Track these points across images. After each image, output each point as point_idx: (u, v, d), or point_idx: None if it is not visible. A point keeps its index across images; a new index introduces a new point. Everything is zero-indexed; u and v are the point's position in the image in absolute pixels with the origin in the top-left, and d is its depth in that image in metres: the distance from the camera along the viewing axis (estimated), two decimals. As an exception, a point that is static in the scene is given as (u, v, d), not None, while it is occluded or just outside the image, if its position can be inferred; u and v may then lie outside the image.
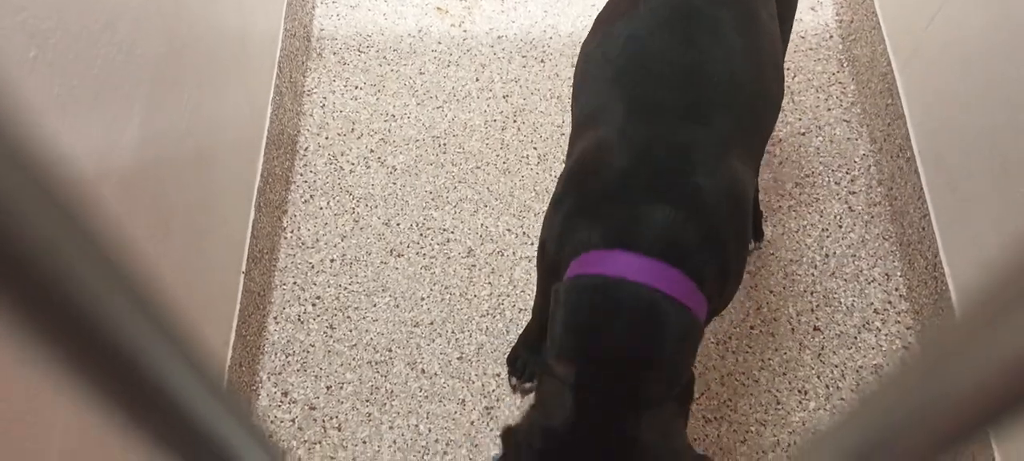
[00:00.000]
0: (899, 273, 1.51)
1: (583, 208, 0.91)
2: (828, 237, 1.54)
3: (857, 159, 1.63)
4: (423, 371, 1.41)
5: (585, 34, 1.78)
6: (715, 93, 0.94)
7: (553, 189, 1.57)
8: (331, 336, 1.45)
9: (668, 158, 0.89)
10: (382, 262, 1.52)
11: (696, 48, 0.96)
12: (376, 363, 1.42)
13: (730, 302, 0.99)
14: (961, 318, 0.18)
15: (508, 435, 0.84)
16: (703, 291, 0.85)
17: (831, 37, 1.79)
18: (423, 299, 1.48)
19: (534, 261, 1.51)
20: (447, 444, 1.35)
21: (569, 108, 1.70)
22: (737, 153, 0.93)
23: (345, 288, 1.49)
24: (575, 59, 1.76)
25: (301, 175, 1.62)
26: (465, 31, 1.80)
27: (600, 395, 0.80)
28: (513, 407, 1.38)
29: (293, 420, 1.37)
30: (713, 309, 0.91)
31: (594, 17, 1.81)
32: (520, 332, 1.41)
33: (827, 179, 1.60)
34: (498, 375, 1.41)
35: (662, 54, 0.96)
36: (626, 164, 0.89)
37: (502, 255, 1.52)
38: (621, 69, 0.98)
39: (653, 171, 0.88)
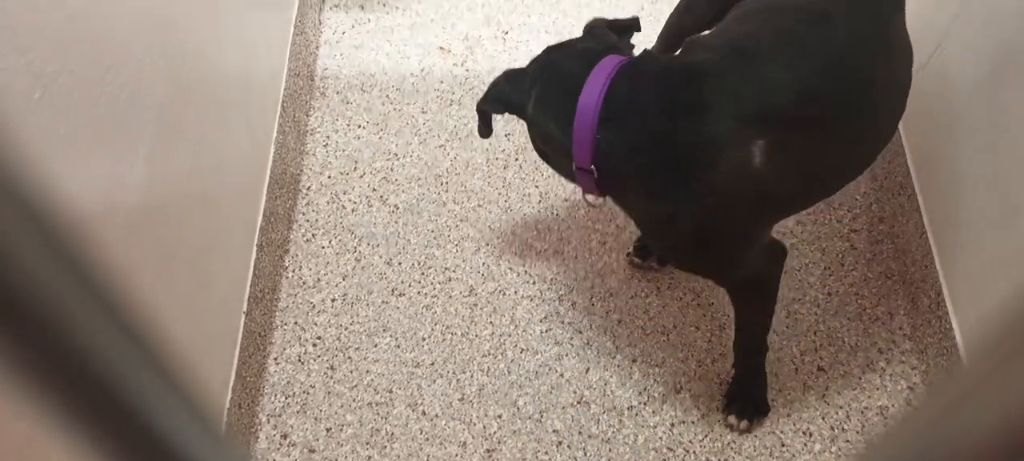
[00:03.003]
0: (903, 312, 1.50)
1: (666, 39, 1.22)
2: (831, 275, 1.54)
3: (858, 197, 1.63)
4: (424, 413, 1.40)
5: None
6: (802, 76, 1.03)
7: (553, 227, 1.58)
8: (331, 377, 1.44)
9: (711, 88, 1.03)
10: (383, 302, 1.51)
11: (811, 35, 1.06)
12: (376, 405, 1.41)
13: (674, 253, 1.23)
14: (969, 364, 0.18)
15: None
16: (606, 158, 1.09)
17: (830, 77, 1.81)
18: (424, 339, 1.47)
19: (535, 300, 1.51)
20: (448, 486, 1.33)
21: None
22: (780, 141, 1.01)
23: (346, 328, 1.49)
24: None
25: (303, 214, 1.62)
26: (467, 70, 1.82)
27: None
28: (515, 449, 1.36)
29: (292, 462, 1.36)
30: (681, 259, 1.23)
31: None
32: (522, 371, 1.40)
33: (829, 217, 1.60)
34: (499, 416, 1.39)
35: (785, 24, 1.08)
36: (690, 63, 1.07)
37: (504, 294, 1.52)
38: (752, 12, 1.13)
39: (691, 91, 1.04)
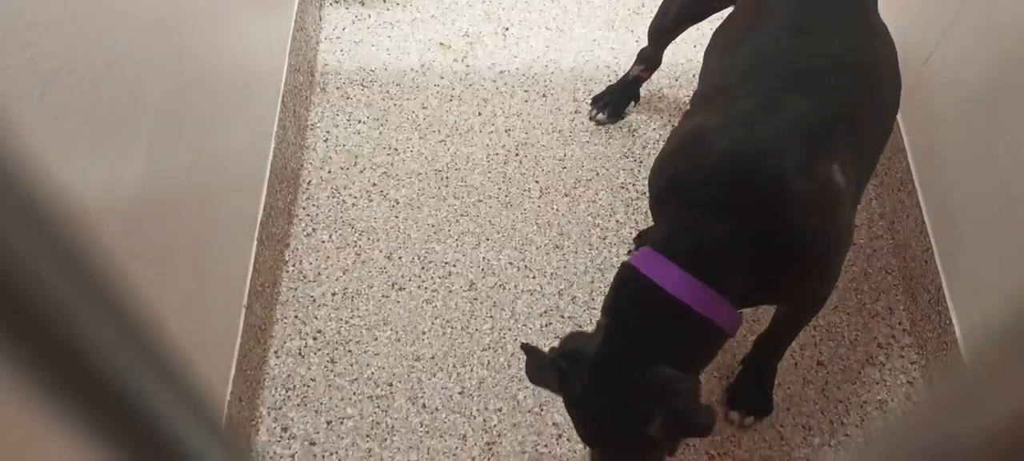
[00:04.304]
0: (902, 307, 1.50)
1: (668, 193, 1.07)
2: (831, 271, 1.54)
3: (858, 193, 1.63)
4: (424, 406, 1.40)
5: (586, 69, 1.81)
6: (824, 94, 1.03)
7: (553, 222, 1.58)
8: (332, 370, 1.44)
9: (758, 158, 0.99)
10: (383, 296, 1.52)
11: (810, 51, 1.06)
12: (377, 398, 1.41)
13: (822, 292, 1.16)
14: (971, 361, 0.18)
15: (535, 351, 1.09)
16: (736, 301, 1.00)
17: (831, 72, 1.81)
18: (424, 333, 1.48)
19: (535, 295, 1.51)
20: (448, 480, 1.34)
21: (570, 141, 1.71)
22: (838, 157, 1.00)
23: (346, 322, 1.49)
24: (576, 93, 1.77)
25: (303, 208, 1.62)
26: (468, 66, 1.82)
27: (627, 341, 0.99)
28: (515, 442, 1.37)
29: (292, 456, 1.36)
30: (784, 299, 1.15)
31: (595, 53, 1.83)
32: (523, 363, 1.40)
33: (829, 213, 1.60)
34: (499, 410, 1.40)
35: (780, 56, 1.07)
36: (714, 162, 1.01)
37: (504, 288, 1.52)
38: (739, 68, 1.09)
39: (739, 170, 0.99)
